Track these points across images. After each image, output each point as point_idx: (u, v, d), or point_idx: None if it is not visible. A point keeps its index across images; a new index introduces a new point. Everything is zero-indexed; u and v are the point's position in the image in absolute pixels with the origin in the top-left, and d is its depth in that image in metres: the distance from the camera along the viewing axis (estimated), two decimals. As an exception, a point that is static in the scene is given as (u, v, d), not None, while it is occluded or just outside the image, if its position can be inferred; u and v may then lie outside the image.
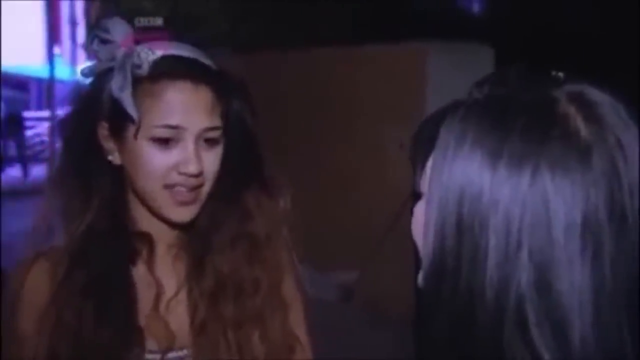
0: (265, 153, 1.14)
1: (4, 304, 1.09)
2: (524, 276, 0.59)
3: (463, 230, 0.62)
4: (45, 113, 12.91)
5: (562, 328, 0.59)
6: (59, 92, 10.81)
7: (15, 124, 12.54)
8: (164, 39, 1.07)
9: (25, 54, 14.31)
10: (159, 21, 1.08)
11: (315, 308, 1.19)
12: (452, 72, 4.63)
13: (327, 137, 5.61)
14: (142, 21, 1.08)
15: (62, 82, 12.03)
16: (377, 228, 4.94)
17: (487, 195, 0.61)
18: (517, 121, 0.62)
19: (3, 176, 11.90)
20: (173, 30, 1.09)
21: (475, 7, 9.83)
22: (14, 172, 12.23)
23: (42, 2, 13.64)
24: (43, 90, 13.45)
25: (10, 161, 12.62)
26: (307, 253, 1.17)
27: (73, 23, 15.32)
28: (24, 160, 12.29)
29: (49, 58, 12.03)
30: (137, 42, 1.04)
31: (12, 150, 12.69)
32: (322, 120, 5.63)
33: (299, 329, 1.16)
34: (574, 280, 0.59)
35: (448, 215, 0.63)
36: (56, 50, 12.86)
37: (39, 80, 13.80)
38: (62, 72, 12.74)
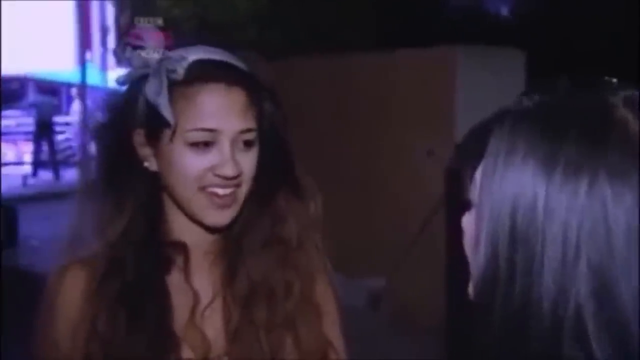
0: (296, 158, 1.14)
1: (40, 310, 1.10)
2: (582, 286, 0.58)
3: (517, 240, 0.61)
4: (76, 118, 13.12)
5: (623, 338, 0.57)
6: (90, 97, 10.96)
7: (47, 128, 12.77)
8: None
9: (57, 59, 14.55)
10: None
11: (344, 314, 1.18)
12: (483, 77, 4.59)
13: (355, 143, 5.59)
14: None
15: (93, 87, 12.21)
16: (405, 235, 4.91)
17: (542, 205, 0.60)
18: (572, 128, 0.60)
19: (36, 180, 12.12)
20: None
21: (506, 11, 9.76)
22: (45, 177, 12.44)
23: (73, 8, 13.86)
24: (73, 95, 13.65)
25: (43, 165, 12.84)
26: (336, 259, 1.17)
27: (104, 29, 15.55)
28: (56, 165, 12.50)
29: (80, 64, 12.22)
30: (169, 48, 1.05)
31: (44, 155, 12.93)
32: (351, 127, 5.61)
33: (333, 334, 1.15)
34: (635, 289, 0.57)
35: (501, 226, 0.62)
36: (87, 56, 13.05)
37: (69, 86, 14.01)
38: (93, 77, 12.93)
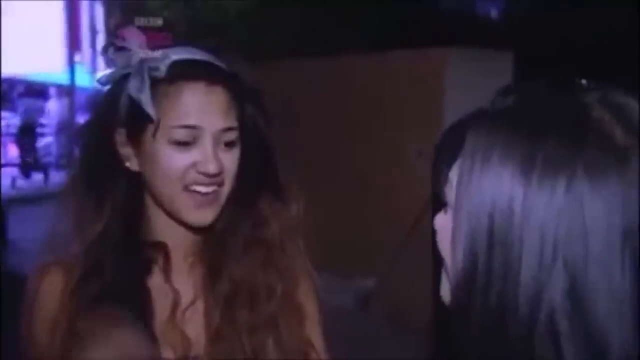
0: (282, 160, 1.14)
1: (21, 310, 1.10)
2: (558, 287, 0.58)
3: (494, 243, 0.61)
4: (65, 120, 13.02)
5: (599, 339, 0.58)
6: (79, 99, 10.90)
7: (30, 130, 12.62)
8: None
9: (46, 61, 14.47)
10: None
11: (333, 314, 1.19)
12: (472, 78, 4.61)
13: (346, 144, 5.60)
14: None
15: (82, 89, 12.13)
16: (396, 235, 4.92)
17: (519, 206, 0.60)
18: (549, 128, 0.60)
19: (25, 183, 12.03)
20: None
21: (495, 13, 9.80)
22: (35, 178, 12.37)
23: (62, 9, 13.78)
24: (62, 97, 13.57)
25: (32, 168, 12.76)
26: (326, 259, 1.17)
27: (93, 31, 15.46)
28: (40, 167, 12.39)
29: (69, 65, 12.15)
30: (152, 48, 1.05)
31: (29, 157, 12.82)
32: (342, 128, 5.63)
33: (315, 336, 1.15)
34: (613, 289, 0.57)
35: (478, 229, 0.62)
36: (76, 57, 12.98)
37: (58, 88, 13.93)
38: (82, 79, 12.86)
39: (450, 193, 0.68)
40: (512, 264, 0.60)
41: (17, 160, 12.80)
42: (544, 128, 0.60)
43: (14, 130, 13.65)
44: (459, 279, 0.64)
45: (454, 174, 0.67)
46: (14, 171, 12.55)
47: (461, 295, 0.64)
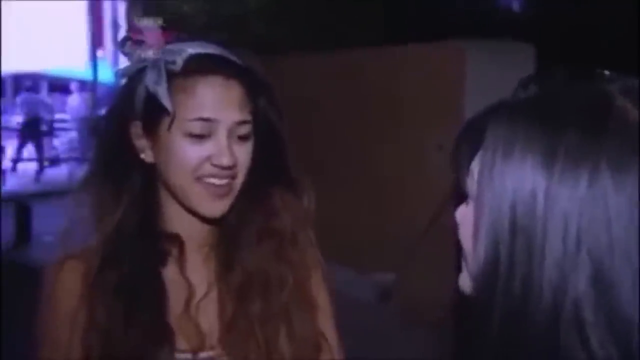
0: (300, 156, 1.15)
1: (39, 304, 1.11)
2: (582, 276, 0.59)
3: (517, 232, 0.61)
4: (87, 115, 13.07)
5: (622, 327, 0.58)
6: (102, 94, 10.95)
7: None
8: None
9: (69, 56, 14.59)
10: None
11: (352, 308, 1.19)
12: (492, 71, 4.57)
13: (365, 138, 5.59)
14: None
15: (104, 84, 12.21)
16: (415, 229, 4.91)
17: (542, 198, 0.60)
18: (570, 119, 0.60)
19: (49, 177, 12.13)
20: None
21: (515, 5, 9.70)
22: (58, 173, 12.48)
23: (85, 5, 13.89)
24: (85, 92, 13.66)
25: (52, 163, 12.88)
26: (346, 254, 1.18)
27: (115, 26, 15.56)
28: (41, 162, 12.44)
29: (91, 61, 12.25)
30: (168, 42, 1.07)
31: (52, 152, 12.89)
32: (361, 122, 5.61)
33: (327, 327, 1.17)
34: (636, 277, 0.58)
35: (501, 218, 0.62)
36: (99, 53, 13.07)
37: (81, 83, 14.04)
38: (105, 74, 12.96)
39: (472, 185, 0.68)
40: (535, 254, 0.60)
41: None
42: (565, 119, 0.61)
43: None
44: (481, 269, 0.65)
45: (475, 166, 0.68)
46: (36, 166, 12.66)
47: (483, 284, 0.65)
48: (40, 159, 12.49)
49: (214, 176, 1.05)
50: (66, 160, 12.64)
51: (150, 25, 1.07)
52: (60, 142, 13.68)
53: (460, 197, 0.73)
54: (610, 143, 0.59)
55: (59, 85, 15.94)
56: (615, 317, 0.58)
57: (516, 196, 0.62)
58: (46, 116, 13.00)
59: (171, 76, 1.03)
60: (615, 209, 0.58)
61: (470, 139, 0.70)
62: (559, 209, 0.59)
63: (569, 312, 0.59)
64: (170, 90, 1.02)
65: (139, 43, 1.06)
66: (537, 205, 0.60)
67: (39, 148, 12.52)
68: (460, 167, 0.72)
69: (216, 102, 1.04)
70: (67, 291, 1.09)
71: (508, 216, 0.62)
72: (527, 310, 0.61)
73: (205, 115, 1.03)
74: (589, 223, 0.58)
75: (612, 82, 0.63)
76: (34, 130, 12.54)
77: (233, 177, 1.06)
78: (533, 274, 0.60)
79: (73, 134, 13.92)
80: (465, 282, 0.73)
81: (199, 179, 1.05)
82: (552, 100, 0.63)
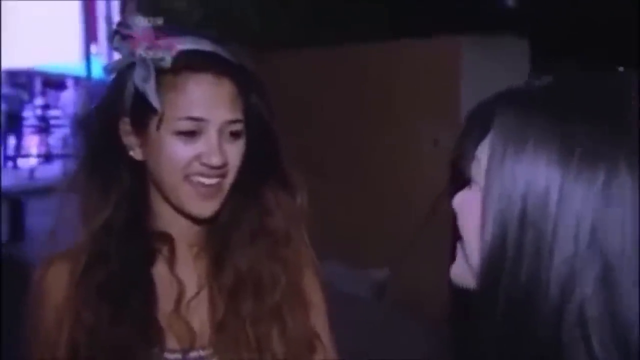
0: (296, 151, 1.14)
1: (28, 303, 1.10)
2: (592, 274, 0.58)
3: (527, 224, 0.60)
4: (76, 110, 13.00)
5: (625, 327, 0.57)
6: (92, 89, 10.92)
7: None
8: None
9: (62, 52, 14.55)
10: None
11: (348, 304, 1.18)
12: (487, 65, 4.58)
13: (361, 133, 5.59)
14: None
15: (98, 80, 12.16)
16: (410, 225, 4.91)
17: (556, 194, 0.59)
18: (588, 116, 0.59)
19: (43, 174, 12.10)
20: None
21: (511, 0, 9.70)
22: (52, 169, 12.45)
23: (79, 1, 13.84)
24: (79, 88, 13.64)
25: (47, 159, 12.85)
26: (341, 250, 1.17)
27: (109, 22, 15.52)
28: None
29: (85, 57, 12.20)
30: (158, 38, 1.04)
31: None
32: (356, 117, 5.61)
33: (320, 326, 1.15)
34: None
35: (510, 209, 0.61)
36: (93, 49, 13.02)
37: (75, 79, 14.01)
38: (99, 70, 12.90)
39: (478, 171, 0.67)
40: (544, 247, 0.59)
41: (35, 152, 12.85)
42: (581, 114, 0.60)
43: (30, 121, 13.72)
44: (486, 258, 0.64)
45: (481, 152, 0.66)
46: (32, 162, 12.64)
47: (488, 271, 0.64)
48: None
49: (203, 175, 1.03)
50: (60, 156, 12.61)
51: (140, 22, 1.05)
52: (53, 139, 13.66)
53: (457, 187, 0.72)
54: (629, 140, 0.58)
55: (53, 82, 15.91)
56: (619, 318, 0.58)
57: (528, 187, 0.61)
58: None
59: (161, 73, 1.00)
60: (631, 209, 0.57)
61: (478, 124, 0.69)
62: (573, 207, 0.58)
63: (573, 309, 0.59)
64: (160, 87, 1.00)
65: (128, 38, 1.04)
66: (549, 201, 0.59)
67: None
68: (465, 152, 0.70)
69: (207, 101, 1.01)
70: (55, 289, 1.07)
71: (519, 206, 0.61)
72: (531, 302, 0.60)
73: (195, 114, 1.01)
74: (603, 222, 0.58)
75: (628, 78, 0.62)
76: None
77: (223, 176, 1.05)
78: (540, 268, 0.59)
79: (67, 131, 13.88)
80: (457, 271, 0.72)
81: (187, 177, 1.03)
82: (568, 94, 0.62)
